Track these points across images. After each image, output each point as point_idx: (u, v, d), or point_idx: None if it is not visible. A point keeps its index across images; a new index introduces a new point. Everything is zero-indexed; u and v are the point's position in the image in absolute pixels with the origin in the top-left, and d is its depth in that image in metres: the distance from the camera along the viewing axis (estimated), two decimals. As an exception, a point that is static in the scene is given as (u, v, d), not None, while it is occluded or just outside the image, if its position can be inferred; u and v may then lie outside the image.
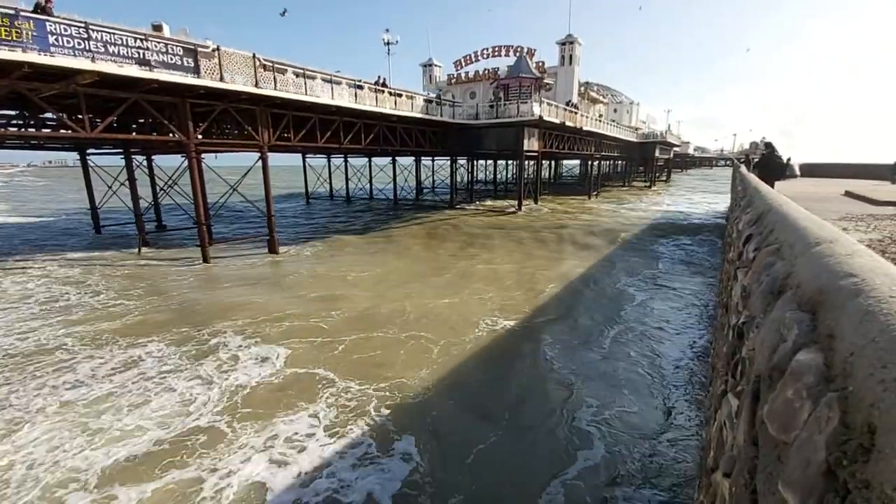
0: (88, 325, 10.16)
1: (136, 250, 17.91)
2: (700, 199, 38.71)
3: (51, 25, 10.86)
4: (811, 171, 27.84)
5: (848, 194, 13.77)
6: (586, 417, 6.42)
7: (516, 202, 28.35)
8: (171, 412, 6.61)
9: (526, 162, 28.65)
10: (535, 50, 37.77)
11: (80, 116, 12.99)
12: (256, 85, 15.12)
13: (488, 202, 31.22)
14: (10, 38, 10.27)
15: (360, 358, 8.51)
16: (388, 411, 6.66)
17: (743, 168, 18.24)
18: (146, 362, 8.27)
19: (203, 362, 8.30)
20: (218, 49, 14.06)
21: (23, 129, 17.41)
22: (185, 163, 16.12)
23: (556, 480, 5.15)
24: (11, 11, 10.29)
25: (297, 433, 6.11)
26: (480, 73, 42.51)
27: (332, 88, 18.27)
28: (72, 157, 30.05)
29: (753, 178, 11.01)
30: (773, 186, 11.70)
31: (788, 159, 16.97)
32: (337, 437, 6.02)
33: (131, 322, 10.43)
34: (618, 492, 4.94)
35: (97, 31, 11.60)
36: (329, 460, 5.58)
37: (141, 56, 12.42)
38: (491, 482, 5.17)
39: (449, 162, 31.80)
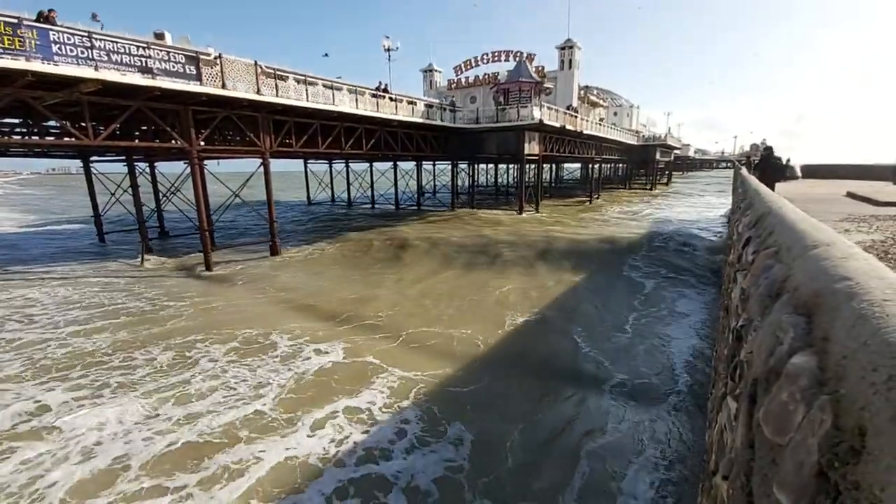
0: (132, 330, 10.61)
1: (140, 260, 17.90)
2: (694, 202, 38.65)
3: (54, 34, 10.97)
4: (812, 172, 27.78)
5: (850, 195, 13.74)
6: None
7: (517, 207, 28.34)
8: (244, 396, 7.53)
9: (527, 165, 28.68)
10: (534, 55, 37.88)
11: (83, 124, 13.09)
12: (258, 92, 15.23)
13: (484, 212, 31.11)
14: (13, 47, 10.38)
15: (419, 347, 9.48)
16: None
17: (744, 170, 18.24)
18: (205, 360, 8.90)
19: (264, 358, 8.99)
20: (220, 56, 14.17)
21: (26, 137, 17.55)
22: (188, 169, 16.22)
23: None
24: (14, 20, 10.41)
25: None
26: (481, 77, 42.65)
27: (333, 94, 18.39)
28: (75, 164, 30.22)
29: (753, 180, 11.01)
30: (773, 188, 11.70)
31: (788, 160, 16.97)
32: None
33: (175, 327, 10.80)
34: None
35: (100, 39, 11.72)
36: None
37: (143, 64, 12.54)
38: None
39: (450, 166, 31.87)
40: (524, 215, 27.04)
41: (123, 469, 5.77)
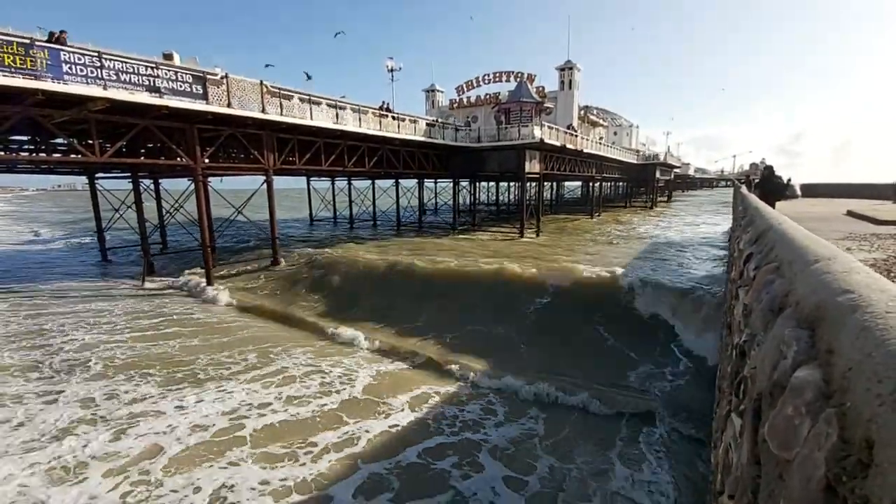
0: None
1: (141, 280, 17.93)
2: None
3: (65, 55, 11.24)
4: (812, 191, 27.91)
5: (850, 214, 13.76)
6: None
7: (518, 227, 27.55)
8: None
9: (528, 183, 28.77)
10: (535, 75, 38.63)
11: (90, 141, 13.30)
12: (263, 110, 15.48)
13: (484, 233, 30.99)
14: (24, 67, 10.62)
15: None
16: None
17: (744, 188, 18.33)
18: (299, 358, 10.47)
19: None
20: (226, 76, 14.46)
21: (34, 154, 17.76)
22: (192, 186, 16.38)
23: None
24: (27, 41, 10.68)
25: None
26: (482, 97, 43.36)
27: (336, 113, 18.67)
28: (80, 181, 30.61)
29: (754, 198, 11.05)
30: (773, 206, 11.74)
31: (789, 180, 17.04)
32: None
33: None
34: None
35: (110, 59, 11.99)
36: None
37: (151, 83, 12.80)
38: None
39: (452, 184, 32.04)
40: (525, 239, 25.85)
41: (237, 442, 7.06)
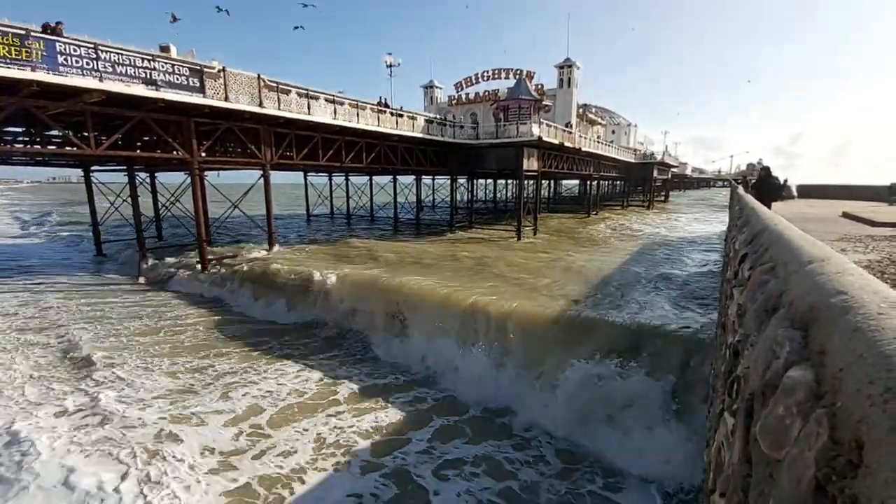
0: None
1: (136, 274, 17.86)
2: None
3: (60, 46, 11.14)
4: (808, 192, 28.00)
5: (845, 215, 13.83)
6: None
7: (515, 226, 26.92)
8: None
9: (525, 181, 28.70)
10: (534, 72, 38.55)
11: (85, 134, 13.19)
12: (261, 105, 15.39)
13: (481, 230, 30.84)
14: (20, 58, 10.52)
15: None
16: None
17: (740, 189, 18.38)
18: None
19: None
20: (224, 70, 14.36)
21: (29, 146, 17.60)
22: (188, 180, 16.29)
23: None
24: (22, 32, 10.57)
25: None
26: (481, 94, 43.24)
27: (334, 108, 18.57)
28: (76, 173, 30.38)
29: (750, 199, 11.08)
30: (769, 208, 11.77)
31: (786, 180, 17.09)
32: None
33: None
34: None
35: (106, 51, 11.89)
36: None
37: (148, 76, 12.70)
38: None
39: (449, 181, 31.97)
40: (523, 242, 24.58)
41: (332, 403, 8.64)
